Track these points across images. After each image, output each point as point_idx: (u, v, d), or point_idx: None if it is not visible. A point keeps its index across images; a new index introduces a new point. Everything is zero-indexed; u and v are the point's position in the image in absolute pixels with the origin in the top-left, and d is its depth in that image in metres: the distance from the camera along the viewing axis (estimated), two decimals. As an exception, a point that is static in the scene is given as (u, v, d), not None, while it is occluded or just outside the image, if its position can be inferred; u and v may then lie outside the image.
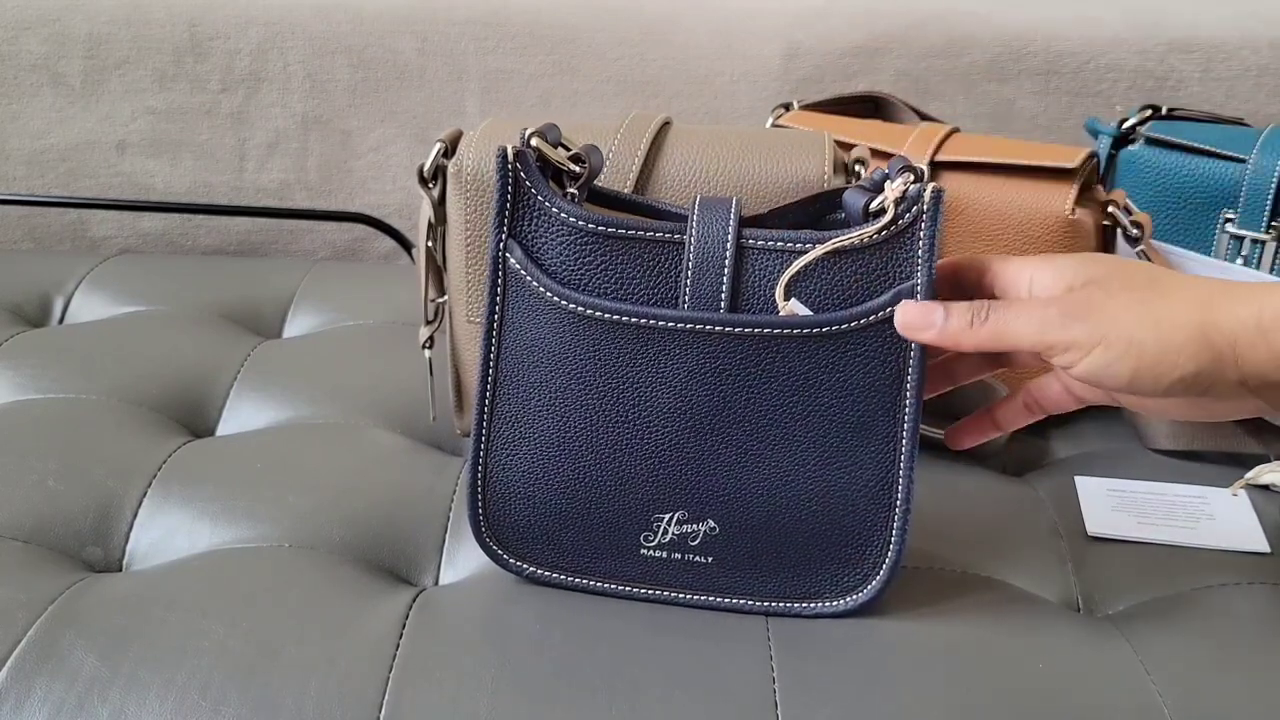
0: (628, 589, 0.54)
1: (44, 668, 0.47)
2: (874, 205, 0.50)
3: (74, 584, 0.53)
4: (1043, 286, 0.46)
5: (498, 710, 0.46)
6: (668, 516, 0.52)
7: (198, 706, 0.46)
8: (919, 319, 0.47)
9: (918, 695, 0.48)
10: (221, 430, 0.71)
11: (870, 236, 0.49)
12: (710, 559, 0.53)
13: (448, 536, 0.59)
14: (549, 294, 0.51)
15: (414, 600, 0.53)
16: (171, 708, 0.46)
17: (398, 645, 0.50)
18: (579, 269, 0.51)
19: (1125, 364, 0.42)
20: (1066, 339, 0.42)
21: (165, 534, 0.58)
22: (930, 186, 0.49)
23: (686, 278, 0.50)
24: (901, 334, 0.48)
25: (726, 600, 0.53)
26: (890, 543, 0.52)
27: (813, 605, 0.53)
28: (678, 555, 0.53)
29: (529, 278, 0.51)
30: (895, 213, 0.49)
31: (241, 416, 0.71)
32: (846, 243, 0.49)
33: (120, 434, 0.66)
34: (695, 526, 0.52)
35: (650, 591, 0.54)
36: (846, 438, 0.51)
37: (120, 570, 0.57)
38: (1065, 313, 0.43)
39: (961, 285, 0.51)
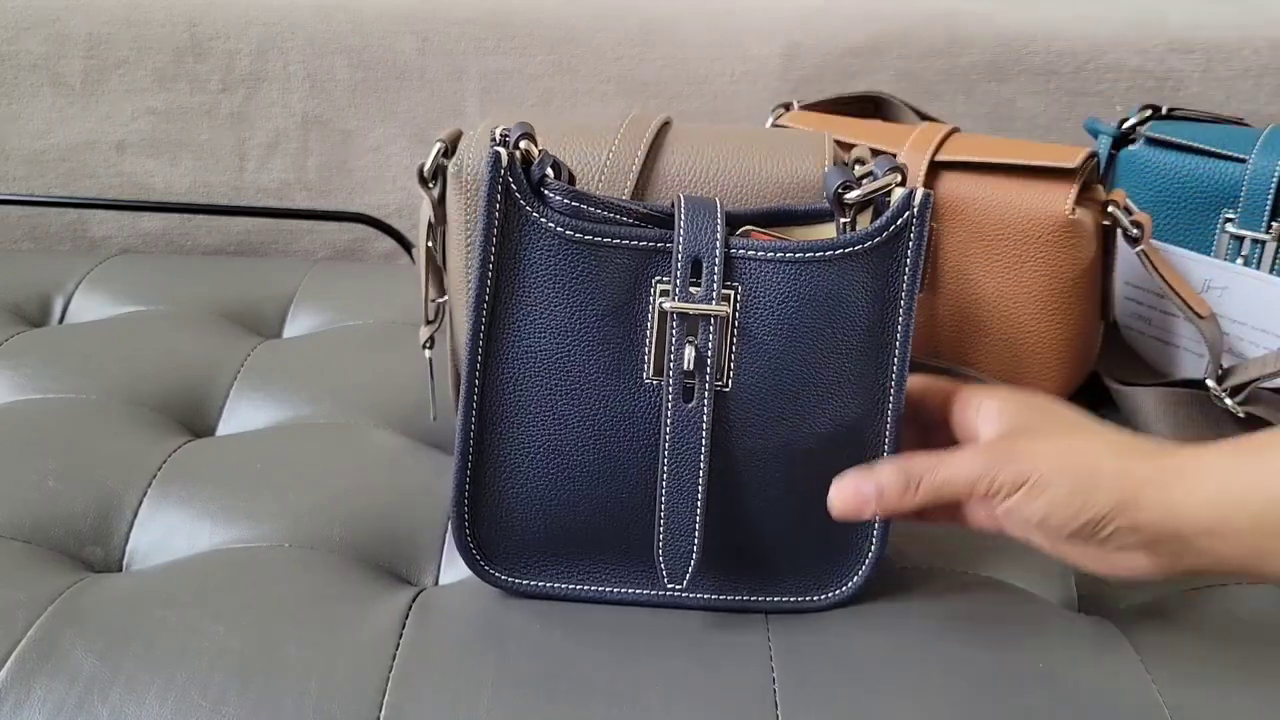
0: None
1: (44, 667, 0.47)
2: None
3: (74, 584, 0.53)
4: (986, 417, 0.50)
5: (497, 710, 0.46)
6: None
7: (197, 706, 0.46)
8: (854, 501, 0.49)
9: (918, 696, 0.48)
10: (221, 430, 0.71)
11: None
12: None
13: (448, 536, 0.59)
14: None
15: (414, 600, 0.53)
16: (171, 708, 0.46)
17: (398, 645, 0.50)
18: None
19: (1042, 502, 0.45)
20: (996, 486, 0.46)
21: (165, 534, 0.58)
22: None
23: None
24: (840, 516, 0.49)
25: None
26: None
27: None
28: None
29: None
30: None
31: (241, 416, 0.71)
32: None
33: (120, 434, 0.66)
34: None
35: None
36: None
37: (120, 570, 0.57)
38: (993, 462, 0.46)
39: (923, 412, 0.54)
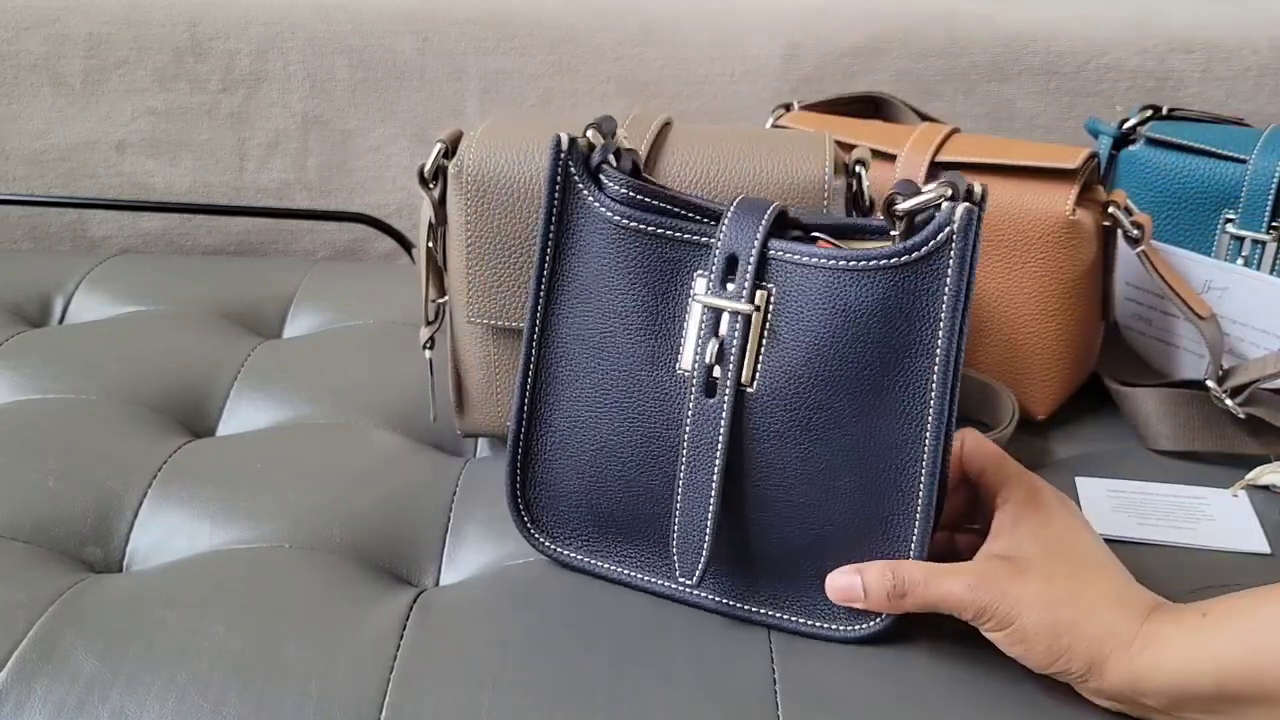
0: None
1: (44, 668, 0.47)
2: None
3: (74, 584, 0.53)
4: (1002, 522, 0.51)
5: (498, 711, 0.46)
6: None
7: (198, 707, 0.46)
8: (844, 593, 0.51)
9: (918, 698, 0.48)
10: (221, 430, 0.71)
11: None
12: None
13: (448, 537, 0.59)
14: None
15: (414, 601, 0.53)
16: (172, 708, 0.46)
17: (398, 646, 0.50)
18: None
19: (1020, 649, 0.48)
20: (984, 617, 0.48)
21: (165, 534, 0.58)
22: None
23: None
24: (834, 601, 0.51)
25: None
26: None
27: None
28: None
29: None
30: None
31: (241, 416, 0.71)
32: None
33: (120, 434, 0.66)
34: None
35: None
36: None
37: (120, 570, 0.57)
38: (984, 594, 0.48)
39: (978, 488, 0.54)
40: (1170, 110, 0.82)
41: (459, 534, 0.59)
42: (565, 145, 0.53)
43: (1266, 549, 0.59)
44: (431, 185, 0.62)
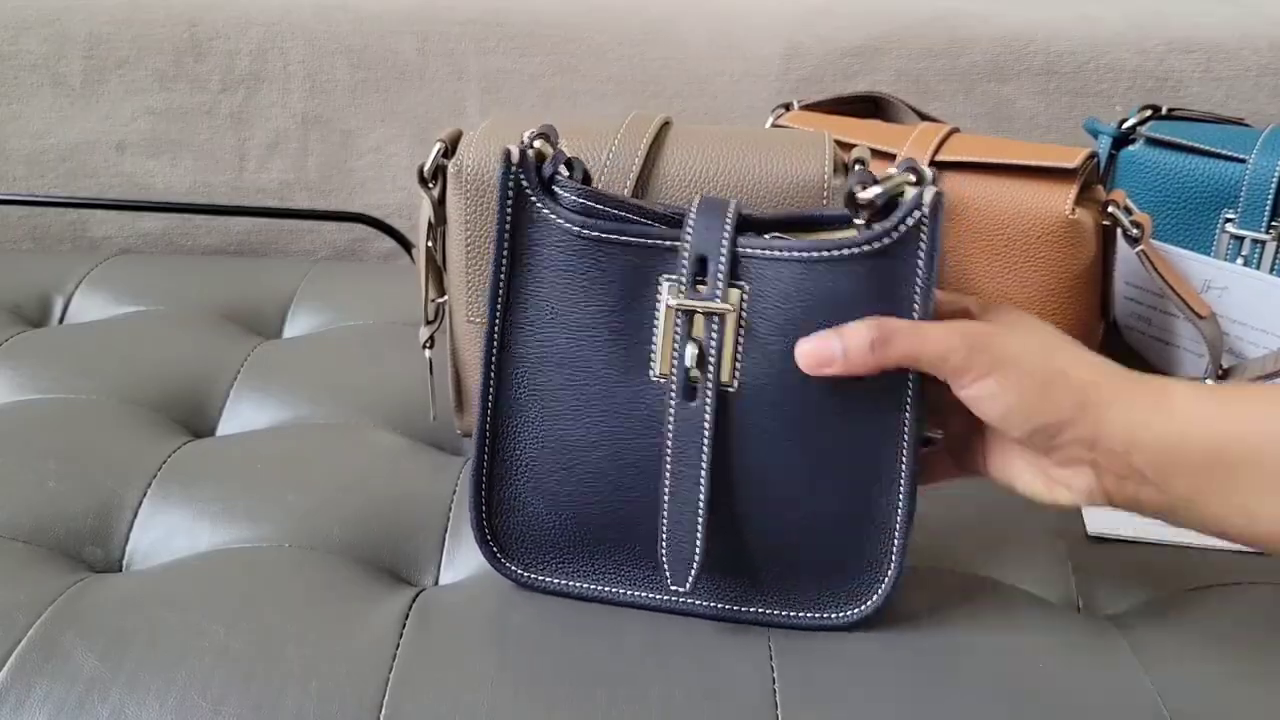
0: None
1: (44, 668, 0.47)
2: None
3: (74, 584, 0.53)
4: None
5: (498, 711, 0.46)
6: None
7: (198, 707, 0.46)
8: (817, 356, 0.48)
9: (918, 695, 0.48)
10: (222, 430, 0.71)
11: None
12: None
13: (448, 537, 0.59)
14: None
15: (414, 600, 0.53)
16: (172, 708, 0.46)
17: (398, 646, 0.50)
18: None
19: (1011, 394, 0.45)
20: (967, 365, 0.46)
21: (165, 534, 0.58)
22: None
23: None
24: (807, 371, 0.48)
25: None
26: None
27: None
28: None
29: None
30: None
31: (241, 416, 0.71)
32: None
33: (120, 434, 0.66)
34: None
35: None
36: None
37: (120, 570, 0.57)
38: (971, 342, 0.46)
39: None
40: (1170, 110, 0.82)
41: (458, 534, 0.59)
42: (516, 158, 0.51)
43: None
44: (431, 185, 0.62)
